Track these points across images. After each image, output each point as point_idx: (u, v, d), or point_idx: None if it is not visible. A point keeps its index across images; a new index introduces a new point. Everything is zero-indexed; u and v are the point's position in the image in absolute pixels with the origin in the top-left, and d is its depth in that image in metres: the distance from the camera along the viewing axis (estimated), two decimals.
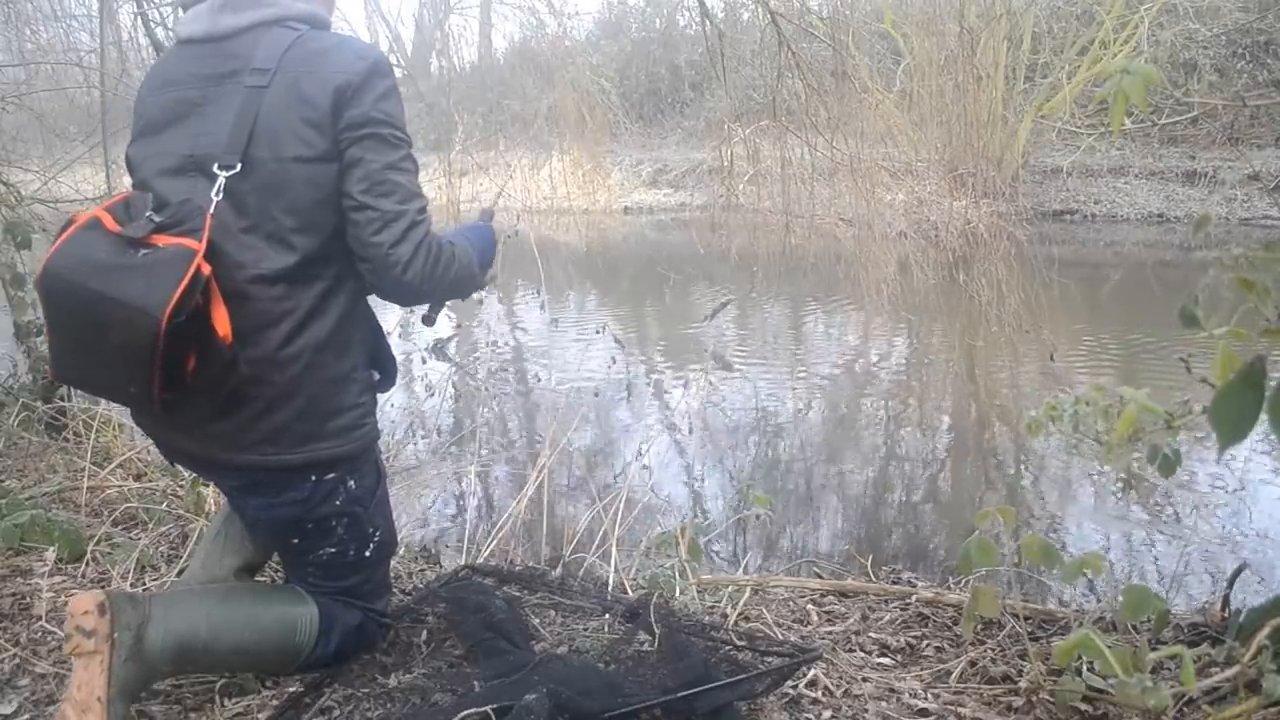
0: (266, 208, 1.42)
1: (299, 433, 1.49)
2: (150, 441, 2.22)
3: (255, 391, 1.44)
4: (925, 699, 1.61)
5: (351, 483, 1.58)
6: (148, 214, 1.35)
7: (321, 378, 1.48)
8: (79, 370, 1.47)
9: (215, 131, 1.43)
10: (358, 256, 1.48)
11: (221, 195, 1.40)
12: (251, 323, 1.42)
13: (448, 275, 1.53)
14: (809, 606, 2.06)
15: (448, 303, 1.80)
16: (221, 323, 1.35)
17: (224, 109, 1.43)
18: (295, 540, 1.63)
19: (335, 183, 1.44)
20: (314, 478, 1.53)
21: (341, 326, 1.50)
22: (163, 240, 1.33)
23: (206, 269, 1.32)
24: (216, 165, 1.41)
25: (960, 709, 1.57)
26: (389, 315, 8.17)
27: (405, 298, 1.57)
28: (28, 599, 1.99)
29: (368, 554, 1.66)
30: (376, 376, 1.66)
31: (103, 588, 2.06)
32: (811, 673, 1.67)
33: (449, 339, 6.76)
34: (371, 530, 1.65)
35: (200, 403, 1.42)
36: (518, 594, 2.02)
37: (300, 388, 1.47)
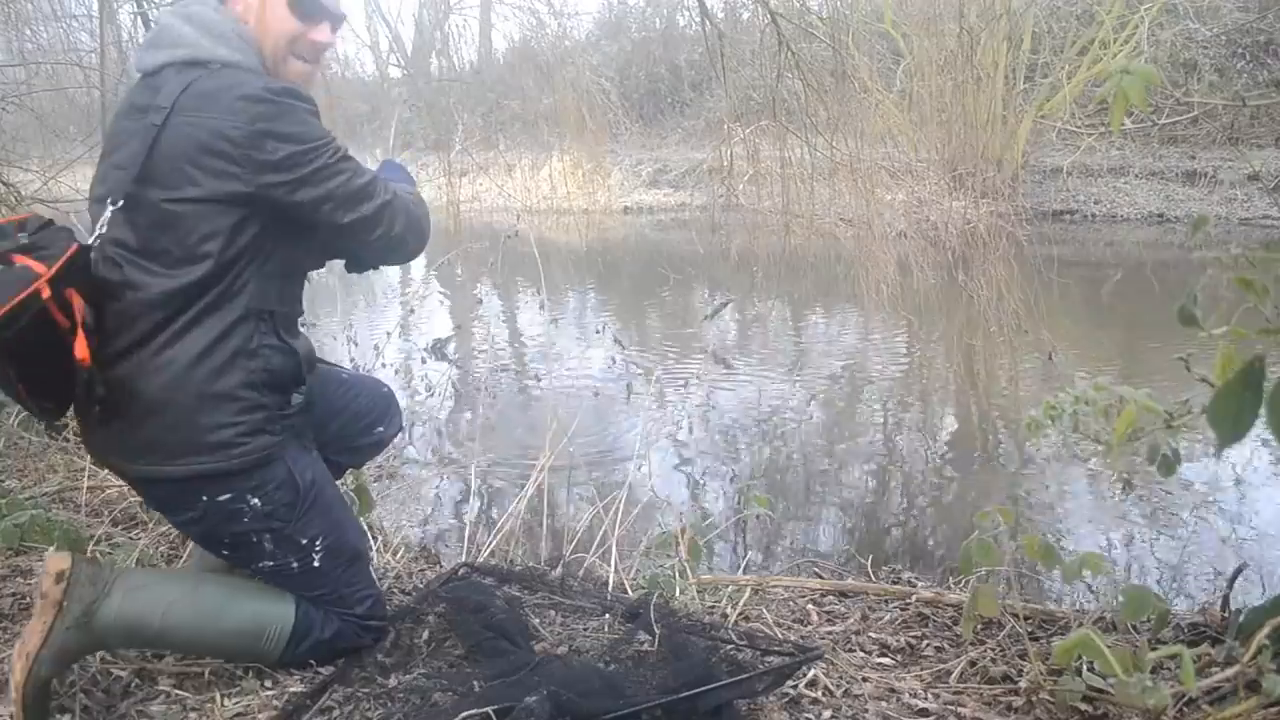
0: (157, 239, 1.51)
1: (171, 445, 1.52)
2: None
3: (128, 402, 1.51)
4: (925, 699, 1.62)
5: (256, 501, 1.57)
6: (19, 234, 1.43)
7: (192, 391, 1.51)
8: None
9: (120, 165, 1.53)
10: (368, 253, 1.68)
11: (106, 229, 1.52)
12: (132, 339, 1.51)
13: (420, 213, 1.71)
14: (809, 606, 2.07)
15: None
16: (80, 347, 1.41)
17: (131, 144, 1.53)
18: (225, 554, 1.68)
19: (225, 222, 1.51)
20: (205, 498, 1.55)
21: (219, 345, 1.52)
22: (20, 260, 1.40)
23: (46, 292, 1.37)
24: (109, 199, 1.52)
25: (960, 709, 1.57)
26: (389, 316, 8.18)
27: (411, 258, 1.74)
28: (28, 599, 1.99)
29: (316, 564, 1.65)
30: (297, 399, 1.62)
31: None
32: (811, 673, 1.67)
33: (448, 339, 6.76)
34: (307, 542, 1.63)
35: (84, 411, 1.51)
36: (518, 594, 2.02)
37: (170, 400, 1.51)
